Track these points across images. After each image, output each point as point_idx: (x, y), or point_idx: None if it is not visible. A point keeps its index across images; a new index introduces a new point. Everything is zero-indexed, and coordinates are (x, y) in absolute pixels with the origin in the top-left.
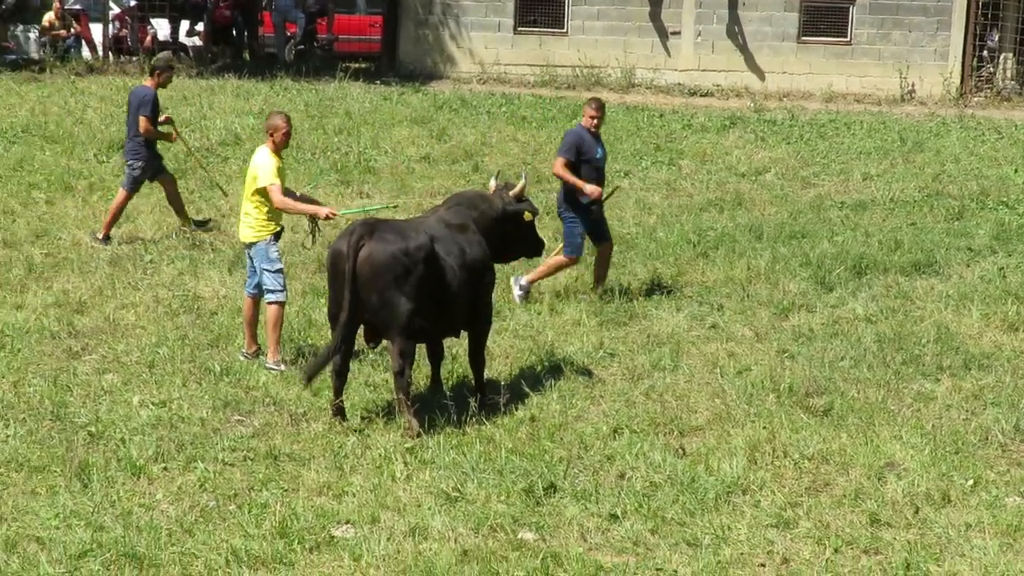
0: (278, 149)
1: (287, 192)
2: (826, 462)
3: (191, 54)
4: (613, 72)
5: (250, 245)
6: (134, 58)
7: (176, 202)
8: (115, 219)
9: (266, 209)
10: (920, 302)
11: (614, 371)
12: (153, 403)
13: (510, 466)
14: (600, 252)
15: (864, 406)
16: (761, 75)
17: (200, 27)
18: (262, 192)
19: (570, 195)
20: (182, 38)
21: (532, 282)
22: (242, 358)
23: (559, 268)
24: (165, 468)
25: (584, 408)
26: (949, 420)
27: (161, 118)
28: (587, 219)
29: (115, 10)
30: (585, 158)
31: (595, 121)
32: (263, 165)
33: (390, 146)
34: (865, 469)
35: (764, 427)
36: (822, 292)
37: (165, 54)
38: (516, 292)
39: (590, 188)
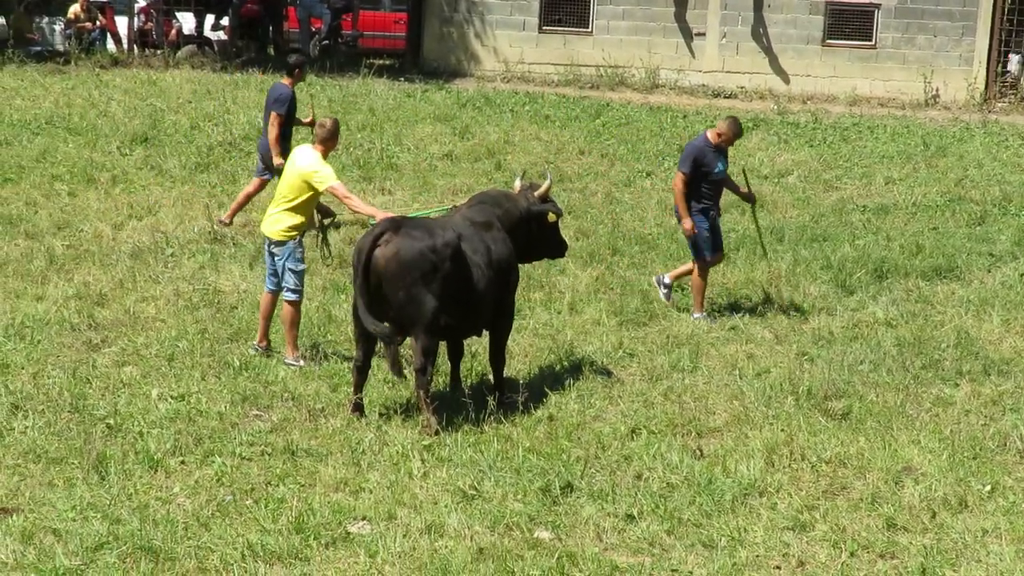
0: (327, 153)
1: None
2: (844, 466)
3: (216, 48)
4: (637, 72)
5: (278, 243)
6: (159, 51)
7: (243, 203)
8: (241, 206)
9: (303, 210)
10: (940, 307)
11: (633, 371)
12: (172, 396)
13: (527, 465)
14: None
15: (882, 410)
16: (785, 77)
17: (225, 21)
18: (305, 192)
19: (688, 199)
20: (207, 32)
21: (675, 279)
22: (252, 352)
23: (691, 272)
24: (183, 462)
25: (602, 408)
26: (967, 425)
27: (307, 119)
28: (706, 222)
29: (141, 3)
30: (704, 171)
31: (722, 138)
32: (320, 167)
33: (413, 143)
34: (882, 473)
35: (782, 430)
36: (843, 295)
37: (299, 55)
38: (662, 291)
39: (687, 224)
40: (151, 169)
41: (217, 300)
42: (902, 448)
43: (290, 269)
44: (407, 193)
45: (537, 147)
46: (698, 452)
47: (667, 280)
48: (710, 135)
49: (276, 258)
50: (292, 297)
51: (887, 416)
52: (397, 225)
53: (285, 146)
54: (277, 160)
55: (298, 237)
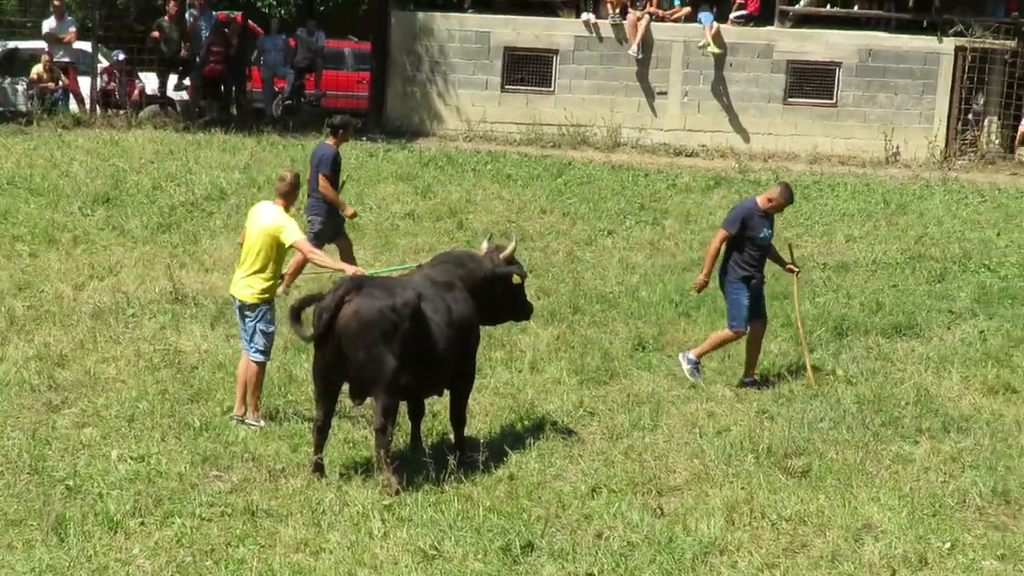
0: (288, 207)
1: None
2: (804, 523)
3: (178, 108)
4: (599, 131)
5: (251, 306)
6: (121, 111)
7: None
8: (297, 273)
9: (272, 270)
10: (900, 364)
11: (593, 430)
12: (132, 457)
13: (488, 524)
14: (752, 330)
15: (842, 467)
16: (747, 136)
17: (188, 81)
18: (273, 251)
19: (731, 266)
20: (170, 92)
21: (700, 356)
22: (232, 422)
23: (724, 341)
24: (142, 523)
25: (563, 467)
26: (927, 482)
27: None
28: (746, 292)
29: (103, 63)
30: (749, 235)
31: (772, 204)
32: (285, 222)
33: (375, 202)
34: (843, 531)
35: (742, 487)
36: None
37: (344, 116)
38: (685, 366)
39: (699, 280)
40: (112, 229)
41: (178, 361)
42: (862, 505)
43: (261, 331)
44: (369, 252)
45: (499, 206)
46: (659, 511)
47: (692, 356)
48: (760, 200)
49: (248, 319)
50: (260, 358)
51: (847, 473)
52: (359, 284)
53: (331, 207)
54: (348, 211)
55: (270, 298)
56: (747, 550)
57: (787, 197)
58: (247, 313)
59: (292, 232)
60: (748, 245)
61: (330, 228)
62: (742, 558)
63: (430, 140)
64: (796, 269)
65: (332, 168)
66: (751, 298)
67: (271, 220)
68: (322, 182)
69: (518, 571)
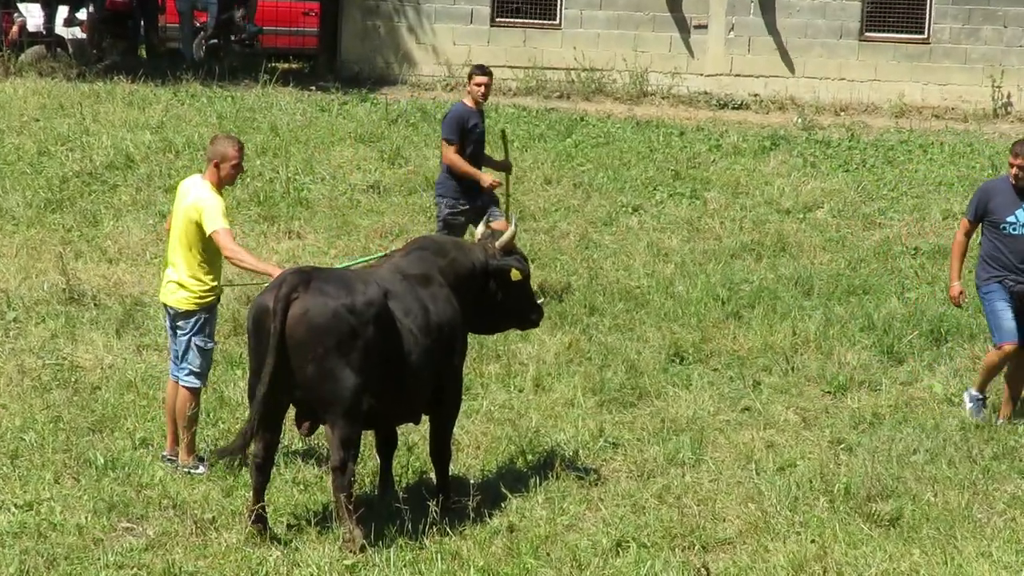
0: (222, 184)
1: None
2: None
3: (71, 49)
4: (619, 77)
5: (185, 314)
6: None
7: None
8: None
9: (209, 267)
10: None
11: (618, 466)
12: (16, 505)
13: None
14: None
15: (943, 514)
16: (811, 82)
17: (83, 15)
18: (205, 241)
19: (988, 263)
20: (59, 29)
21: (982, 390)
22: (165, 463)
23: (993, 365)
24: None
25: (578, 514)
26: None
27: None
28: (1001, 297)
29: None
30: (992, 218)
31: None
32: (208, 204)
33: (328, 171)
34: None
35: (813, 540)
36: (890, 365)
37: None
38: (968, 405)
39: (952, 290)
40: None
41: (75, 379)
42: (968, 563)
43: (197, 347)
44: (321, 237)
45: (490, 175)
46: (704, 571)
47: (975, 393)
48: (1012, 172)
49: (180, 332)
50: (194, 383)
51: (949, 522)
52: (307, 279)
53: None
54: (486, 179)
55: (211, 304)
56: None
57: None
58: (179, 324)
59: (212, 217)
60: (991, 231)
61: (469, 214)
62: None
63: (399, 90)
64: None
65: (455, 130)
66: (1013, 308)
67: (192, 200)
68: (444, 151)
69: None
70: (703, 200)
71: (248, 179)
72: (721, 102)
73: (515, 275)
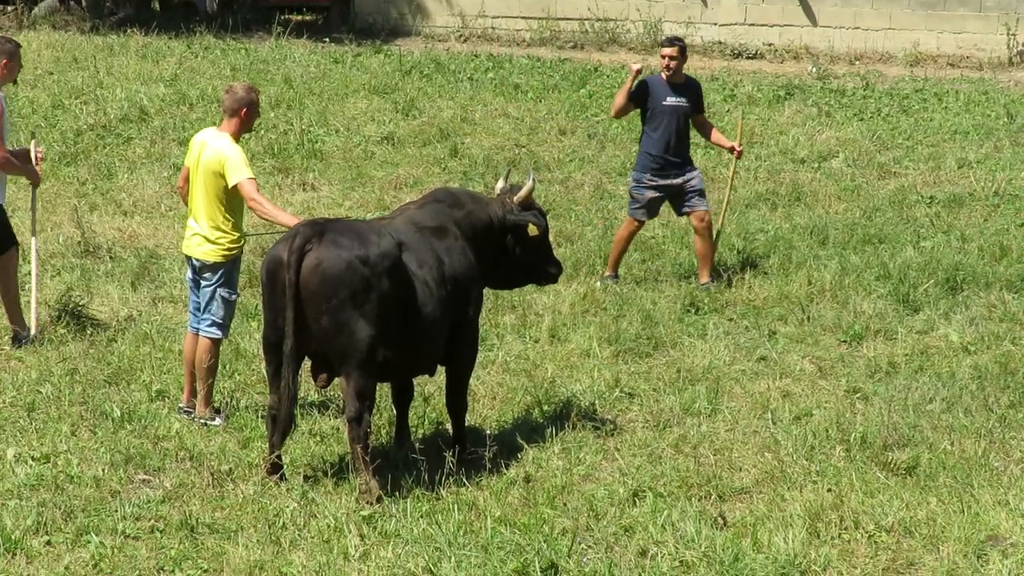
0: (240, 135)
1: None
2: (910, 535)
3: (83, 3)
4: (633, 27)
5: (213, 266)
6: (9, 8)
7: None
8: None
9: (233, 218)
10: None
11: (633, 416)
12: (33, 458)
13: (498, 540)
14: None
15: (959, 462)
16: (826, 31)
17: None
18: (229, 193)
19: None
20: None
21: None
22: (182, 415)
23: None
24: (48, 542)
25: (595, 464)
26: None
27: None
28: None
29: None
30: None
31: None
32: (231, 155)
33: (342, 123)
34: (960, 544)
35: (829, 489)
36: (905, 314)
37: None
38: None
39: None
40: None
41: (90, 332)
42: (985, 511)
43: (222, 297)
44: (336, 188)
45: (504, 126)
46: (720, 520)
47: None
48: None
49: (205, 284)
50: (216, 334)
51: (965, 470)
52: (321, 230)
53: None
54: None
55: (237, 255)
56: (836, 570)
57: None
58: (205, 275)
59: (236, 167)
60: None
61: (659, 190)
62: None
63: (412, 41)
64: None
65: (636, 96)
66: None
67: (213, 153)
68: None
69: None
70: (717, 151)
71: (262, 131)
72: (735, 51)
73: (532, 230)
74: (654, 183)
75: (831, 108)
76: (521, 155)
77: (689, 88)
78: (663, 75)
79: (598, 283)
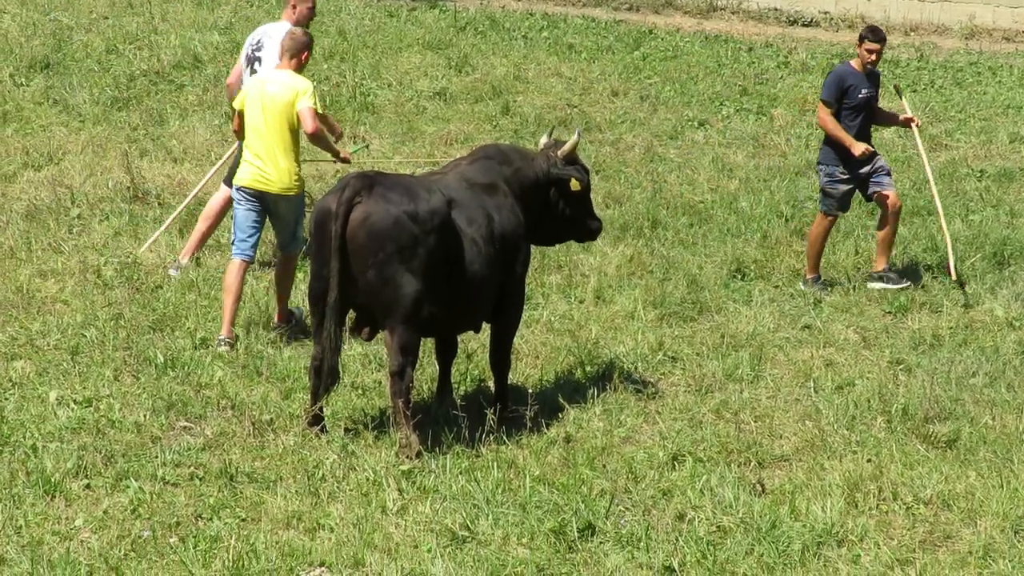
0: (299, 70)
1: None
2: (948, 508)
3: None
4: None
5: (290, 199)
6: None
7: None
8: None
9: (298, 147)
10: None
11: (676, 380)
12: (75, 401)
13: (536, 499)
14: None
15: (1000, 437)
16: (882, 1)
17: None
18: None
19: None
20: None
21: None
22: (221, 348)
23: None
24: (88, 486)
25: (635, 427)
26: None
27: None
28: None
29: None
30: None
31: None
32: (302, 86)
33: (395, 77)
34: (999, 519)
35: (869, 460)
36: (951, 287)
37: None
38: None
39: None
40: (54, 104)
41: (136, 277)
42: None
43: (299, 220)
44: (386, 142)
45: (557, 85)
46: (759, 487)
47: None
48: None
49: (279, 217)
50: (297, 247)
51: (1006, 445)
52: (371, 183)
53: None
54: (858, 148)
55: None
56: (873, 540)
57: None
58: (282, 207)
59: (306, 97)
60: None
61: (852, 183)
62: (866, 551)
63: None
64: None
65: (831, 91)
66: None
67: (281, 87)
68: (819, 111)
69: (574, 560)
70: (769, 116)
71: (315, 82)
72: (791, 19)
73: (575, 185)
74: (847, 176)
75: (885, 79)
76: (572, 115)
77: (874, 75)
78: (861, 67)
79: (801, 285)
